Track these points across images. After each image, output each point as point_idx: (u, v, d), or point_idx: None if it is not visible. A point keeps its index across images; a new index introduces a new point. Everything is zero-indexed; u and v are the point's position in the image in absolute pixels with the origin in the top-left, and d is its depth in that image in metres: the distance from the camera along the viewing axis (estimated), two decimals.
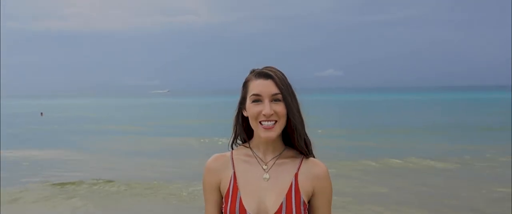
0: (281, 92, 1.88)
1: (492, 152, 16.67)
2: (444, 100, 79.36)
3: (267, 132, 1.87)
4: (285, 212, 1.87)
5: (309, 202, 1.96)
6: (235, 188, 1.93)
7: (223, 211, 1.94)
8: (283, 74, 1.93)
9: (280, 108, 1.88)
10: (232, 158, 2.00)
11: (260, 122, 1.88)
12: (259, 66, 1.97)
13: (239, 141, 2.04)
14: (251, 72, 1.96)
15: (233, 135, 2.04)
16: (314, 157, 2.00)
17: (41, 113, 50.62)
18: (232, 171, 1.97)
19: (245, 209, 1.88)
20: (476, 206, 9.51)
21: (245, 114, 1.97)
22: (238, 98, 2.00)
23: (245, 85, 1.96)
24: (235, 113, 2.02)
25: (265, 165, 1.95)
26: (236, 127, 2.03)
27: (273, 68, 1.94)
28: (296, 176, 1.94)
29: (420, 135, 23.80)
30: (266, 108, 1.86)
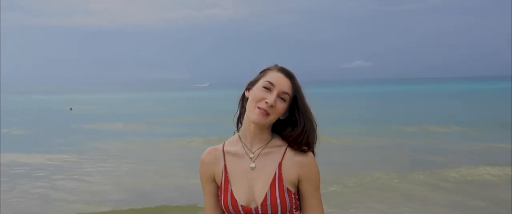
0: (291, 95, 1.98)
1: None
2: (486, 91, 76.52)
3: (260, 116, 1.93)
4: (271, 201, 1.95)
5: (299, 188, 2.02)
6: (226, 180, 2.03)
7: (220, 202, 2.06)
8: (299, 82, 2.02)
9: (281, 106, 1.96)
10: (223, 151, 2.08)
11: (258, 107, 1.94)
12: (284, 62, 2.05)
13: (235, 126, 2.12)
14: (274, 65, 2.05)
15: (239, 111, 2.11)
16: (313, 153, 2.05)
17: (71, 108, 50.00)
18: (223, 163, 2.05)
19: (236, 200, 1.99)
20: None
21: (246, 94, 2.04)
22: None
23: (264, 71, 2.03)
24: (243, 90, 2.08)
25: (252, 154, 2.02)
26: (242, 103, 2.09)
27: (294, 73, 2.02)
28: (280, 165, 1.99)
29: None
30: (271, 97, 1.93)
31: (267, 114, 1.94)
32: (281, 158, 2.01)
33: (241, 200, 1.99)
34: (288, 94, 1.97)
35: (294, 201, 2.00)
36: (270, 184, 1.97)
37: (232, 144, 2.09)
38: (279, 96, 1.95)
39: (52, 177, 12.11)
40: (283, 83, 1.96)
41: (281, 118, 2.02)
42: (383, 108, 41.43)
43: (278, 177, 1.97)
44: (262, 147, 2.03)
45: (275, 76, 1.97)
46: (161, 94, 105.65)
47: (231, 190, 2.01)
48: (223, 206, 2.04)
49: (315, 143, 2.04)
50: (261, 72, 2.05)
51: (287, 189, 1.97)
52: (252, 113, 1.96)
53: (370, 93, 79.15)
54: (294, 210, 2.01)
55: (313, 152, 2.05)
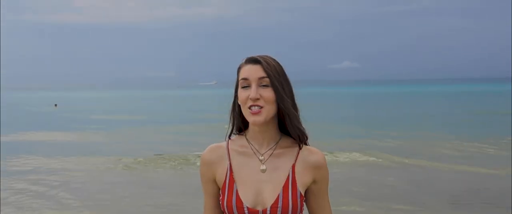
0: (269, 77, 1.85)
1: None
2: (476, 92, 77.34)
3: (254, 116, 1.84)
4: (282, 204, 1.86)
5: (306, 190, 1.94)
6: (231, 180, 1.91)
7: (220, 203, 1.93)
8: (275, 61, 1.91)
9: (267, 93, 1.85)
10: (228, 149, 1.96)
11: (249, 107, 1.85)
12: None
13: (235, 132, 1.99)
14: (242, 60, 1.94)
15: (231, 124, 1.99)
16: (307, 145, 1.96)
17: (55, 105, 49.48)
18: (228, 162, 1.94)
19: (241, 202, 1.87)
20: None
21: (238, 101, 1.93)
22: None
23: (237, 72, 1.94)
24: (232, 101, 1.98)
25: (262, 156, 1.92)
26: (233, 116, 1.98)
27: (266, 56, 1.91)
28: (293, 167, 1.92)
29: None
30: (252, 91, 1.84)
31: (260, 109, 1.85)
32: (294, 159, 1.93)
33: (247, 201, 1.88)
34: (266, 77, 1.85)
35: (302, 206, 1.94)
36: (283, 187, 1.89)
37: (238, 143, 1.98)
38: (259, 85, 1.85)
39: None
40: (254, 72, 1.86)
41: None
42: (352, 108, 41.30)
43: (292, 180, 1.90)
44: (272, 148, 1.94)
45: (245, 70, 1.89)
46: (156, 93, 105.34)
47: (237, 191, 1.89)
48: (225, 207, 1.90)
49: (302, 130, 1.93)
50: (237, 74, 1.96)
51: (300, 193, 1.90)
52: (247, 116, 1.88)
53: (346, 94, 79.46)
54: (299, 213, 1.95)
55: (305, 143, 1.96)
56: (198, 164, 2.27)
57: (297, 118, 1.91)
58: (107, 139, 20.52)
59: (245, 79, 1.87)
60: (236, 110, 1.97)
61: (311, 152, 1.95)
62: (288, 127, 1.90)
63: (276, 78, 1.86)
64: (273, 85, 1.85)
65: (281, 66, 1.91)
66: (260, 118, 1.85)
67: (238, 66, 1.95)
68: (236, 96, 1.95)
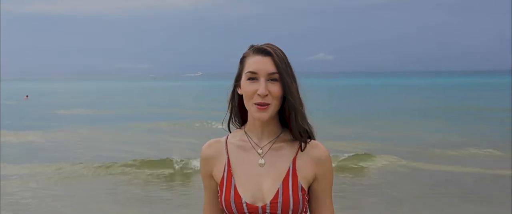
0: (279, 72, 1.77)
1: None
2: (442, 85, 78.67)
3: (260, 112, 1.77)
4: (282, 199, 1.78)
5: (309, 187, 1.85)
6: (229, 175, 1.85)
7: (219, 199, 1.87)
8: (283, 53, 1.81)
9: (276, 88, 1.77)
10: (227, 143, 1.90)
11: (254, 103, 1.77)
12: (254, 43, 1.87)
13: (237, 124, 1.93)
14: (249, 48, 1.85)
15: (229, 115, 1.92)
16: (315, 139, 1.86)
17: (26, 96, 48.51)
18: (226, 157, 1.88)
19: (240, 197, 1.80)
20: None
21: (239, 91, 1.86)
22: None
23: (242, 61, 1.85)
24: (230, 90, 1.91)
25: (260, 149, 1.85)
26: (231, 105, 1.91)
27: (274, 45, 1.82)
28: (294, 160, 1.83)
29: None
30: (261, 87, 1.75)
31: (266, 105, 1.77)
32: (295, 153, 1.85)
33: (246, 197, 1.80)
34: (276, 72, 1.77)
35: (305, 202, 1.83)
36: (283, 180, 1.80)
37: (237, 136, 1.91)
38: (268, 79, 1.77)
39: None
40: (264, 65, 1.77)
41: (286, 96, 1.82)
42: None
43: (292, 173, 1.81)
44: (272, 141, 1.86)
45: (254, 62, 1.79)
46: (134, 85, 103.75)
47: (235, 185, 1.82)
48: (223, 203, 1.83)
49: (309, 127, 1.84)
50: (240, 63, 1.86)
51: (302, 187, 1.81)
52: (252, 111, 1.80)
53: (319, 86, 79.83)
54: (304, 213, 1.84)
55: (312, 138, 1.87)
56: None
57: (303, 115, 1.83)
58: (66, 139, 18.03)
59: (253, 72, 1.78)
60: (235, 100, 1.90)
61: (314, 146, 1.86)
62: (291, 124, 1.82)
63: (286, 73, 1.79)
64: (282, 81, 1.78)
65: (286, 57, 1.83)
66: (266, 115, 1.78)
67: (243, 54, 1.86)
68: (236, 86, 1.88)
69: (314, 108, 1.90)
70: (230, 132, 1.95)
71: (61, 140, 17.51)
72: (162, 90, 73.19)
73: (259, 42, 1.86)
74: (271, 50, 1.78)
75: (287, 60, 1.81)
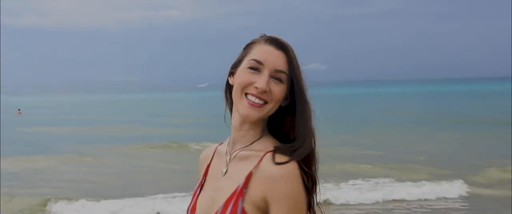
0: (289, 72, 1.52)
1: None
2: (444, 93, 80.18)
3: (251, 109, 1.51)
4: None
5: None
6: (200, 183, 1.70)
7: None
8: (295, 54, 1.56)
9: (279, 89, 1.52)
10: (216, 148, 1.73)
11: (246, 94, 1.52)
12: None
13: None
14: (261, 36, 1.59)
15: (227, 108, 1.67)
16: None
17: (19, 110, 47.12)
18: (208, 163, 1.72)
19: (195, 208, 1.64)
20: None
21: (230, 81, 1.61)
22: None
23: (249, 47, 1.59)
24: (225, 79, 1.65)
25: (230, 156, 1.61)
26: (225, 96, 1.66)
27: (287, 42, 1.56)
28: (248, 176, 1.51)
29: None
30: (262, 80, 1.49)
31: (261, 103, 1.50)
32: (253, 166, 1.51)
33: (200, 208, 1.62)
34: (284, 73, 1.51)
35: None
36: (227, 199, 1.52)
37: (226, 141, 1.70)
38: (272, 76, 1.51)
39: None
40: (275, 59, 1.51)
41: (282, 105, 1.56)
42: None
43: (239, 191, 1.50)
44: (241, 148, 1.58)
45: (263, 51, 1.53)
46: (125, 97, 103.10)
47: (198, 196, 1.66)
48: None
49: (313, 143, 1.52)
50: (245, 48, 1.60)
51: (243, 210, 1.48)
52: (240, 104, 1.53)
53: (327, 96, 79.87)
54: None
55: (310, 160, 1.51)
56: None
57: (311, 120, 1.54)
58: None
59: (258, 61, 1.51)
60: (228, 91, 1.65)
61: (271, 161, 1.48)
62: (296, 130, 1.52)
63: (295, 74, 1.52)
64: (290, 82, 1.53)
65: (297, 59, 1.56)
66: (256, 114, 1.51)
67: (251, 40, 1.60)
68: (231, 74, 1.61)
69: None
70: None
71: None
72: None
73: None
74: (287, 46, 1.54)
75: (299, 64, 1.56)
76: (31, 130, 28.45)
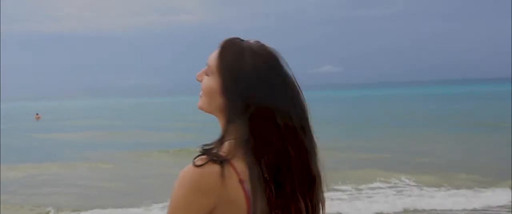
0: (211, 65, 1.53)
1: None
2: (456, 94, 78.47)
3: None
4: None
5: None
6: None
7: None
8: (233, 52, 1.51)
9: (204, 81, 1.54)
10: None
11: None
12: None
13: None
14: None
15: None
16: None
17: (37, 114, 46.83)
18: None
19: None
20: None
21: None
22: None
23: None
24: None
25: None
26: None
27: (244, 42, 1.55)
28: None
29: None
30: (199, 73, 1.58)
31: (200, 94, 1.57)
32: None
33: None
34: (211, 66, 1.52)
35: None
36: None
37: None
38: (206, 72, 1.55)
39: None
40: (210, 57, 1.56)
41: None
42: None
43: None
44: None
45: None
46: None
47: None
48: None
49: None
50: None
51: None
52: None
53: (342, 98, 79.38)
54: None
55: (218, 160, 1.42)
56: None
57: (228, 115, 1.47)
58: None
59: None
60: None
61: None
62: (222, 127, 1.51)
63: (221, 69, 1.50)
64: (218, 77, 1.51)
65: (245, 61, 1.49)
66: (199, 103, 1.57)
67: None
68: None
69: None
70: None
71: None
72: None
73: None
74: (224, 43, 1.55)
75: (231, 59, 1.50)
76: (47, 136, 28.08)
